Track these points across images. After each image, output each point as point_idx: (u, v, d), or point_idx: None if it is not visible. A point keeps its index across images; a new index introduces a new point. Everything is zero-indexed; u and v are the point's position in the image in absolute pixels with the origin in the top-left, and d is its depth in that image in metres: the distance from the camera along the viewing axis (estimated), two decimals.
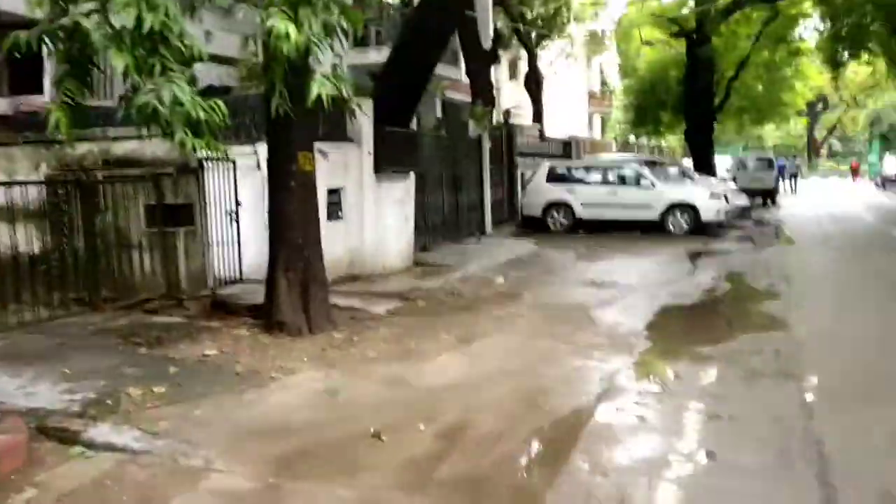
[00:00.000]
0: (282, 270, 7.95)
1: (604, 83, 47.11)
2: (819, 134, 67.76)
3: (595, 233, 17.79)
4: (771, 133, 58.27)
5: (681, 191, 18.04)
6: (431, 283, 10.67)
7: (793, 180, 36.90)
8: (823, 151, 69.77)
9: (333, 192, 10.40)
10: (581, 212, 18.29)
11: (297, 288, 7.94)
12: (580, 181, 18.75)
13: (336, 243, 10.41)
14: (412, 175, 12.11)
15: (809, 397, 5.71)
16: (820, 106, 60.64)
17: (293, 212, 7.93)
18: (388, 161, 11.24)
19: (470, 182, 15.79)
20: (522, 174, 19.41)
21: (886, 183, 38.58)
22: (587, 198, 18.28)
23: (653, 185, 17.80)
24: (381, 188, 11.29)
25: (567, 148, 24.90)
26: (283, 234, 7.97)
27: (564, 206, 18.45)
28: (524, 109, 35.59)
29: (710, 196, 17.72)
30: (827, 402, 5.57)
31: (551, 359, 6.92)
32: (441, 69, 18.70)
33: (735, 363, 6.63)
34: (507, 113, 19.19)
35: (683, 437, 5.00)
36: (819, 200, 30.38)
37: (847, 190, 39.11)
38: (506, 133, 18.27)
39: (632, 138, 41.13)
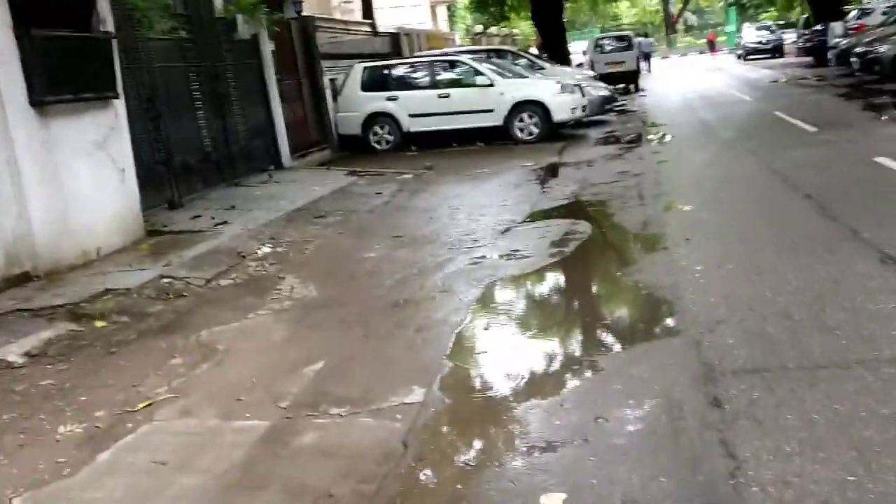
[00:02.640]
0: None
1: None
2: (674, 8, 65.65)
3: (430, 149, 14.23)
4: (627, 11, 55.64)
5: (526, 87, 14.50)
6: (144, 274, 6.78)
7: (647, 60, 35.17)
8: (680, 27, 67.92)
9: None
10: (409, 124, 14.57)
11: None
12: (405, 85, 14.96)
13: None
14: (117, 102, 7.98)
15: None
16: None
17: None
18: (56, 84, 7.05)
19: (246, 100, 11.68)
20: (334, 82, 15.38)
21: (748, 54, 36.67)
22: (415, 106, 14.55)
23: (491, 82, 14.19)
24: (54, 128, 7.13)
25: (396, 45, 20.83)
26: None
27: (389, 119, 14.68)
28: (356, 4, 31.27)
29: (560, 90, 14.27)
30: None
31: (238, 492, 3.29)
32: None
33: (607, 467, 3.18)
34: (296, 1, 14.89)
35: None
36: (685, 80, 27.73)
37: (710, 66, 36.88)
38: (298, 30, 14.09)
39: (479, 28, 37.28)
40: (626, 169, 10.30)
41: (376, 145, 14.74)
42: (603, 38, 26.52)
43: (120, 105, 8.07)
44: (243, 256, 7.37)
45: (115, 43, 7.95)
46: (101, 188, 7.70)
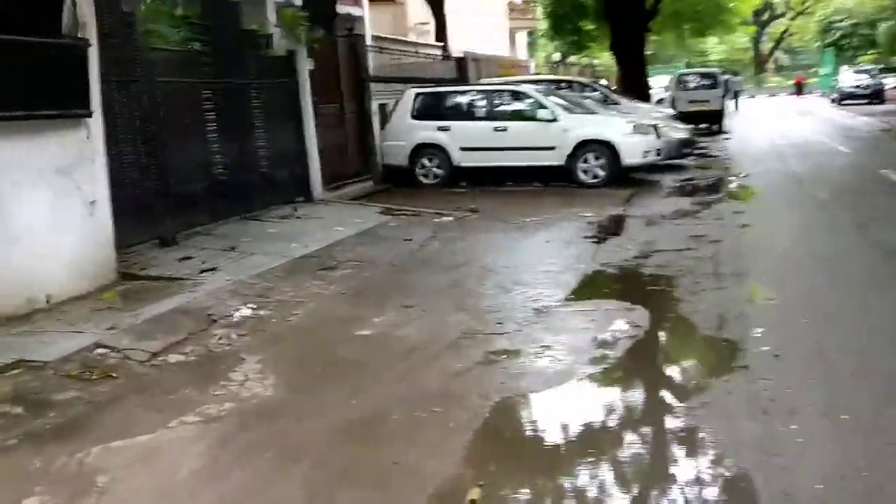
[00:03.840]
0: None
1: None
2: (765, 47, 62.84)
3: (481, 186, 12.78)
4: (715, 48, 53.34)
5: (593, 124, 12.89)
6: (77, 339, 5.43)
7: (735, 99, 33.58)
8: (770, 66, 64.98)
9: None
10: (460, 157, 13.12)
11: None
12: (459, 115, 13.52)
13: None
14: (91, 121, 6.72)
15: None
16: (766, 15, 55.57)
17: None
18: (6, 97, 5.84)
19: (273, 123, 10.40)
20: (384, 107, 14.08)
21: (843, 98, 34.22)
22: (468, 138, 13.09)
23: (554, 117, 12.63)
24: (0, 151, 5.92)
25: (463, 70, 19.47)
26: None
27: (438, 151, 13.26)
28: (433, 26, 30.30)
29: (632, 130, 12.63)
30: None
31: None
32: None
33: None
34: (348, 18, 13.67)
35: None
36: (773, 123, 25.61)
37: (801, 108, 34.52)
38: (347, 49, 12.82)
39: (557, 56, 35.75)
40: (702, 232, 8.59)
41: (423, 179, 13.34)
42: (687, 75, 24.66)
43: (95, 125, 6.82)
44: (214, 320, 5.98)
45: (91, 52, 6.70)
46: (61, 223, 6.45)
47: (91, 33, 6.80)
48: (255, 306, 6.33)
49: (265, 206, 10.16)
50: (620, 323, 5.52)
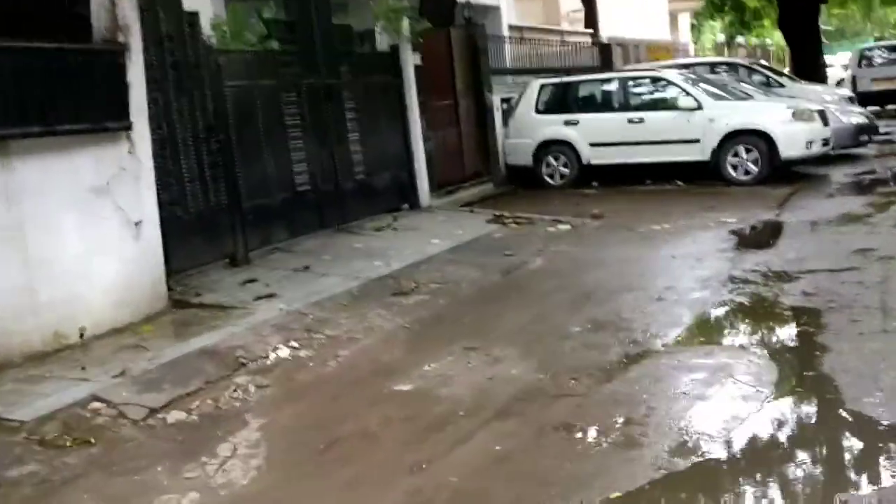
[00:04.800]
0: None
1: None
2: None
3: (614, 185, 11.38)
4: None
5: (744, 112, 11.05)
6: (73, 390, 4.66)
7: None
8: None
9: None
10: (589, 154, 11.72)
11: None
12: (588, 107, 12.12)
13: None
14: (134, 134, 6.01)
15: None
16: None
17: None
18: (22, 113, 5.20)
19: (371, 125, 9.48)
20: (509, 102, 12.90)
21: None
22: (598, 132, 11.68)
23: (698, 105, 10.95)
24: (21, 171, 5.27)
25: (606, 57, 17.87)
26: None
27: (566, 147, 11.93)
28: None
29: (791, 117, 10.72)
30: None
31: None
32: None
33: None
34: (466, 6, 12.54)
35: None
36: None
37: None
38: (462, 41, 11.72)
39: (722, 38, 32.96)
40: (870, 245, 6.82)
41: (548, 179, 12.05)
42: (871, 49, 21.65)
43: (139, 138, 6.10)
44: (242, 364, 5.10)
45: (132, 57, 5.98)
46: (98, 248, 5.77)
47: (134, 36, 6.08)
48: (297, 345, 5.40)
49: (362, 216, 9.29)
50: (737, 384, 4.11)
